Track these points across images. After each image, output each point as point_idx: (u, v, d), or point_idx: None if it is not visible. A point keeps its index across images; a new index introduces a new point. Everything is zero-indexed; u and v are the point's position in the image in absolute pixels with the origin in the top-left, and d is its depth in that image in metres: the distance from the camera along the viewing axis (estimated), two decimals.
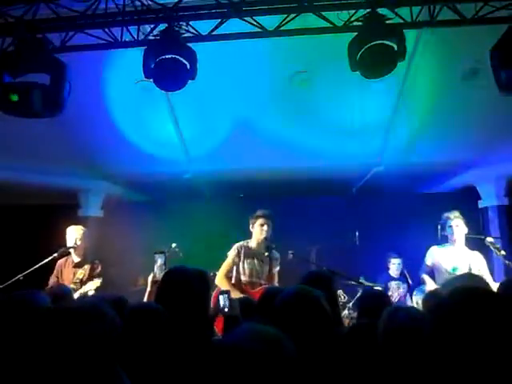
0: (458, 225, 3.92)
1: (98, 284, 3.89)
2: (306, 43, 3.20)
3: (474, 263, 3.85)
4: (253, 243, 3.84)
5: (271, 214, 3.84)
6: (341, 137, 4.84)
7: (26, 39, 2.73)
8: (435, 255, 4.02)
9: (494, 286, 3.30)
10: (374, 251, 5.81)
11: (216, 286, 3.67)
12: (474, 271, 3.75)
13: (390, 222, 6.29)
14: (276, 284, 3.75)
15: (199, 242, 6.06)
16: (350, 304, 5.10)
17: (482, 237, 4.02)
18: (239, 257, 3.79)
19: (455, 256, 3.92)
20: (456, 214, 3.97)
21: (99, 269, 4.08)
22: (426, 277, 4.05)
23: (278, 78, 3.86)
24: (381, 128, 4.74)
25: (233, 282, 3.78)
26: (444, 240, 4.07)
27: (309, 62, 3.64)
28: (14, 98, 2.39)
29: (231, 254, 3.83)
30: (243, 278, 3.77)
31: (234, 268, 3.80)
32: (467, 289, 1.10)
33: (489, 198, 6.58)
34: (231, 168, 5.99)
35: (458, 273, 3.71)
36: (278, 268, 3.84)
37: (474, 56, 3.44)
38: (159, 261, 5.13)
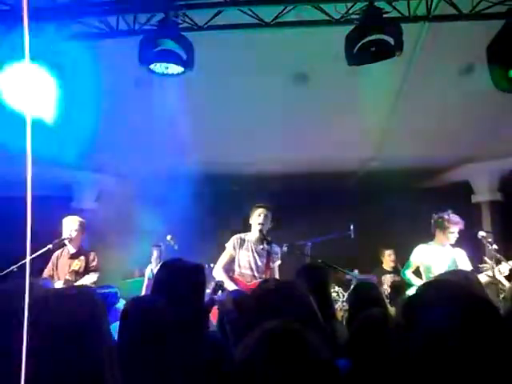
0: (455, 231, 3.94)
1: (95, 279, 3.89)
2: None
3: (458, 260, 3.91)
4: (250, 235, 3.82)
5: (269, 206, 3.81)
6: (337, 130, 4.84)
7: None
8: (423, 254, 4.06)
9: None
10: (369, 245, 5.84)
11: (213, 277, 3.66)
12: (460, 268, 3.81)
13: (385, 216, 6.33)
14: (277, 277, 3.72)
15: (194, 234, 6.06)
16: (344, 297, 5.14)
17: (475, 230, 4.07)
18: (235, 249, 3.76)
19: (442, 254, 3.97)
20: (459, 219, 3.96)
21: (95, 261, 4.06)
22: (411, 275, 4.09)
23: (276, 71, 3.84)
24: (378, 123, 4.75)
25: (231, 274, 3.76)
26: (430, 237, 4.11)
27: (307, 58, 3.63)
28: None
29: (228, 245, 3.80)
30: (237, 270, 3.74)
31: (233, 260, 3.80)
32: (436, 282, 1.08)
33: (482, 193, 6.63)
34: (226, 161, 5.97)
35: (444, 270, 3.75)
36: (278, 262, 3.81)
37: (471, 52, 3.45)
38: (155, 254, 5.16)
